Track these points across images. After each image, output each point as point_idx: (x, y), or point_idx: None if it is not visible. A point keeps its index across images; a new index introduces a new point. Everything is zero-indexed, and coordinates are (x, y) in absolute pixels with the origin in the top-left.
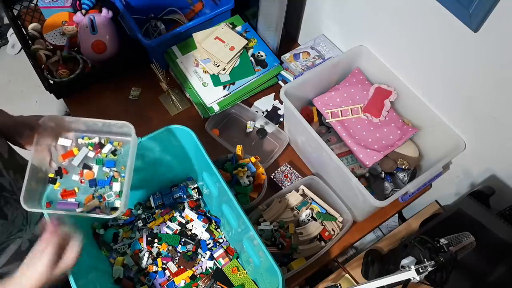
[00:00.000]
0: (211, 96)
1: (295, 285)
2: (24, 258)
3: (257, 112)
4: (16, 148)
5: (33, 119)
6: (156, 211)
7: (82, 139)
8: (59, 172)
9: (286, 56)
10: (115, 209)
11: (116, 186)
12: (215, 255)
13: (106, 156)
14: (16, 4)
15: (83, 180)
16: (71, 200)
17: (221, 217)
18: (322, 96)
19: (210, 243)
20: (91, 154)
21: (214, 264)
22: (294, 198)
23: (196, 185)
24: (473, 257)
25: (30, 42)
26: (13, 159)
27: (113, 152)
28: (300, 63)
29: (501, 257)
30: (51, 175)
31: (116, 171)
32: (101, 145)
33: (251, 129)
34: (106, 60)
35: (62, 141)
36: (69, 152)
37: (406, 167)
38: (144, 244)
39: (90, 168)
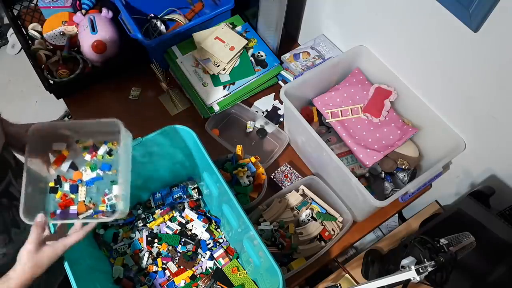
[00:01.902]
0: (211, 96)
1: (295, 285)
2: None
3: (257, 112)
4: (19, 156)
5: (21, 130)
6: (156, 211)
7: (77, 142)
8: (58, 181)
9: (286, 56)
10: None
11: (116, 189)
12: (215, 255)
13: (102, 158)
14: (16, 4)
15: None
16: (72, 208)
17: (221, 217)
18: (322, 96)
19: (210, 243)
20: (88, 158)
21: (214, 264)
22: (294, 198)
23: (196, 185)
24: (473, 257)
25: (30, 42)
26: (20, 167)
27: (109, 153)
28: (300, 63)
29: (501, 257)
30: (51, 184)
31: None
32: (95, 148)
33: (251, 129)
34: (106, 60)
35: (56, 146)
36: (60, 156)
37: (406, 167)
38: (144, 244)
39: (76, 168)
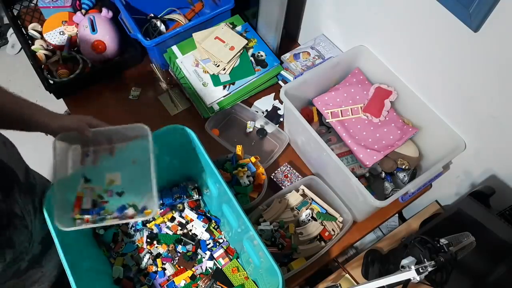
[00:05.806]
0: (211, 96)
1: (295, 285)
2: (22, 278)
3: (257, 112)
4: (33, 166)
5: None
6: None
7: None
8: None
9: (286, 56)
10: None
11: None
12: (215, 255)
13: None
14: (16, 4)
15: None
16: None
17: (221, 217)
18: (322, 96)
19: (210, 243)
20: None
21: (214, 264)
22: (294, 198)
23: (196, 185)
24: (473, 257)
25: (30, 42)
26: (27, 181)
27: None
28: (300, 63)
29: (501, 257)
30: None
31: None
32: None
33: (251, 129)
34: (106, 60)
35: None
36: (78, 199)
37: (406, 167)
38: (144, 244)
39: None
